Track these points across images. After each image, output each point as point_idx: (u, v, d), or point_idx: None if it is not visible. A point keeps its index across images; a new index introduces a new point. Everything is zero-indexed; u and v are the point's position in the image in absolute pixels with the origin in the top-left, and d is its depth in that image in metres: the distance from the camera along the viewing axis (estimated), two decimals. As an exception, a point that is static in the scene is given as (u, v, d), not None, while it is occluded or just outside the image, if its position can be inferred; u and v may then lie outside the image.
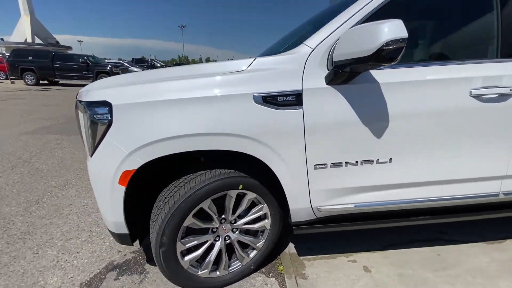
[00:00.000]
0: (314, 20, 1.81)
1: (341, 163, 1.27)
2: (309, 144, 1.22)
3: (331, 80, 1.18)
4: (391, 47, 0.94)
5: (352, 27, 1.20)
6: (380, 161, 1.29)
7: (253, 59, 1.26)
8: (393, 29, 0.93)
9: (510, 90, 1.28)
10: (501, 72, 1.29)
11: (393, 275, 1.54)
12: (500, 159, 1.39)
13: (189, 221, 1.27)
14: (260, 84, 1.19)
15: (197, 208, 1.26)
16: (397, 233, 1.92)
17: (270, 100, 1.18)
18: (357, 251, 1.75)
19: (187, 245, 1.33)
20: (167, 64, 39.81)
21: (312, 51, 1.22)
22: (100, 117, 1.19)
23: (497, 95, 1.28)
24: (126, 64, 17.73)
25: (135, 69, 18.67)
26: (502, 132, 1.34)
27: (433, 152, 1.33)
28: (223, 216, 1.39)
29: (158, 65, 23.04)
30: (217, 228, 1.40)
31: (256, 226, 1.47)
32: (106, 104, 1.18)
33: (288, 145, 1.21)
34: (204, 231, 1.39)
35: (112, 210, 1.29)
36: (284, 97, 1.18)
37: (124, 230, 1.33)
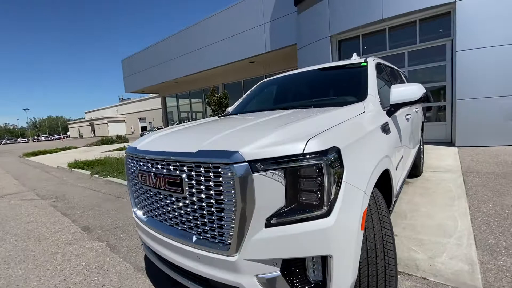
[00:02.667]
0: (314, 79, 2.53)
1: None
2: (392, 153, 1.87)
3: (389, 114, 1.96)
4: (423, 95, 1.91)
5: (380, 86, 2.08)
6: (401, 151, 2.21)
7: (364, 105, 1.74)
8: (422, 88, 1.91)
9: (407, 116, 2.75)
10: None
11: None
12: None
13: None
14: (376, 120, 1.70)
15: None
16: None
17: (384, 129, 1.72)
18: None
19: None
20: None
21: (375, 98, 1.94)
22: (336, 164, 1.10)
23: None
24: None
25: None
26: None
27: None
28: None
29: None
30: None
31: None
32: (335, 150, 1.13)
33: (393, 155, 1.80)
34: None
35: (353, 268, 1.13)
36: (386, 127, 1.78)
37: None
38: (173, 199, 1.32)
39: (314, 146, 1.08)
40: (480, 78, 5.73)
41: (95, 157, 8.70)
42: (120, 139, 20.45)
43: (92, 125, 59.03)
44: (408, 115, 2.65)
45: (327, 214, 1.06)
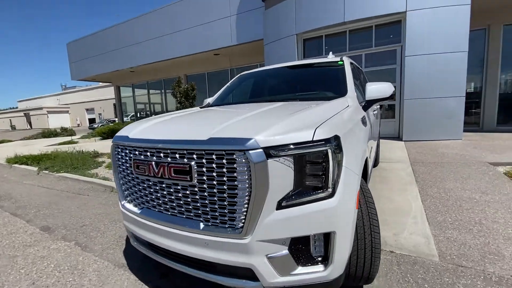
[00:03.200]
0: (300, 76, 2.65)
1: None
2: (368, 143, 2.10)
3: (365, 108, 2.18)
4: (393, 93, 2.18)
5: (354, 84, 2.29)
6: (371, 142, 2.48)
7: (346, 100, 1.91)
8: (392, 86, 2.17)
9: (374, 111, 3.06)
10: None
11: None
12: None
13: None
14: (357, 113, 1.89)
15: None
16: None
17: (363, 122, 1.93)
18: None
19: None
20: None
21: (354, 94, 2.14)
22: (338, 150, 1.23)
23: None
24: None
25: None
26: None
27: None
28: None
29: None
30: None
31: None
32: (336, 138, 1.25)
33: (368, 145, 2.02)
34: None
35: (349, 242, 1.28)
36: (364, 120, 1.99)
37: (344, 266, 1.32)
38: (178, 187, 1.31)
39: (321, 134, 1.19)
40: (424, 81, 6.58)
41: (40, 151, 7.71)
42: (66, 131, 18.33)
43: (27, 116, 51.49)
44: (374, 110, 2.96)
45: (331, 195, 1.19)
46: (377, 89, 2.13)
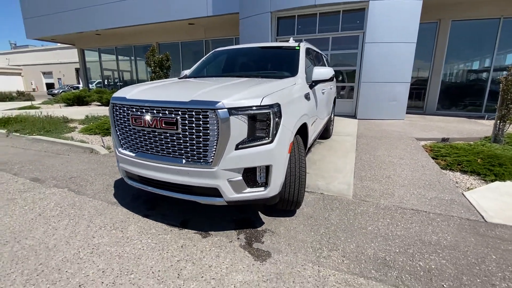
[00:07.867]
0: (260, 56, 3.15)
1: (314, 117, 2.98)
2: (310, 113, 2.78)
3: (311, 87, 2.82)
4: (332, 76, 2.83)
5: (307, 66, 2.90)
6: (316, 114, 3.17)
7: (295, 79, 2.51)
8: (332, 71, 2.82)
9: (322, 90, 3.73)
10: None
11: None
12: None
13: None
14: (302, 90, 2.52)
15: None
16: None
17: (306, 97, 2.57)
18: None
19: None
20: None
21: (303, 75, 2.75)
22: (277, 113, 1.85)
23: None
24: None
25: None
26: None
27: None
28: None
29: None
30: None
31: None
32: (277, 105, 1.86)
33: (311, 115, 2.69)
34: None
35: (282, 174, 1.95)
36: (307, 95, 2.63)
37: (278, 189, 2.00)
38: (167, 135, 1.86)
39: (266, 101, 1.79)
40: (377, 66, 7.45)
41: (2, 115, 7.44)
42: (23, 95, 16.98)
43: (-32, 76, 45.18)
44: (323, 90, 3.64)
45: (271, 142, 1.82)
46: (320, 72, 2.77)
